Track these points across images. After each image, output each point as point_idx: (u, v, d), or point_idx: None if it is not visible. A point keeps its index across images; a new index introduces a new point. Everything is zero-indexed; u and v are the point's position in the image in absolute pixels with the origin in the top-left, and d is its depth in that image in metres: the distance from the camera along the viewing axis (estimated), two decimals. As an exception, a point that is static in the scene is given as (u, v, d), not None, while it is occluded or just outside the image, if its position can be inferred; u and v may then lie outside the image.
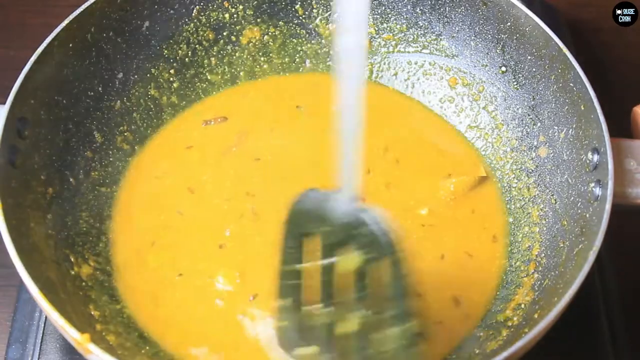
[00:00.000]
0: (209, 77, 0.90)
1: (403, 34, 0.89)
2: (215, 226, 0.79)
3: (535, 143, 0.81)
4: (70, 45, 0.78)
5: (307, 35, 0.92)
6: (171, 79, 0.88)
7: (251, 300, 0.75)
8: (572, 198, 0.75)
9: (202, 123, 0.88)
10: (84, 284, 0.73)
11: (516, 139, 0.83)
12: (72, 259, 0.74)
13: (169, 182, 0.83)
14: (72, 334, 0.61)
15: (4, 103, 0.70)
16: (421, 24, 0.89)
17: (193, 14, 0.88)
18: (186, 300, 0.75)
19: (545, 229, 0.77)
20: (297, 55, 0.92)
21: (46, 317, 0.77)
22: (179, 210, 0.81)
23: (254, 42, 0.91)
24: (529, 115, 0.83)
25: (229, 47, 0.90)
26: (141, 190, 0.82)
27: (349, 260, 0.65)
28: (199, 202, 0.81)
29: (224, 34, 0.90)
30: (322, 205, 0.65)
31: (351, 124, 0.58)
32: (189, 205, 0.81)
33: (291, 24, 0.91)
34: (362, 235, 0.64)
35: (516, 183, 0.82)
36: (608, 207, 0.68)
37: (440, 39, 0.88)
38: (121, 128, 0.84)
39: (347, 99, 0.58)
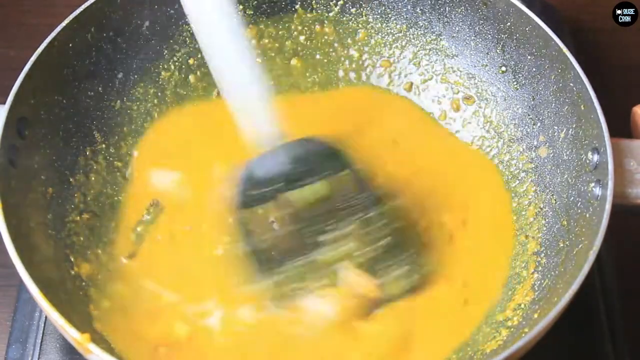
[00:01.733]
0: (209, 77, 0.90)
1: (403, 34, 0.89)
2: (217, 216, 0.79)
3: (535, 143, 0.81)
4: (70, 45, 0.78)
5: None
6: (171, 78, 0.88)
7: None
8: (572, 198, 0.74)
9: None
10: (84, 283, 0.73)
11: (516, 139, 0.83)
12: (72, 259, 0.74)
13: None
14: (72, 334, 0.61)
15: (4, 103, 0.70)
16: (421, 24, 0.88)
17: (193, 14, 0.88)
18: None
19: (545, 228, 0.77)
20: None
21: (46, 317, 0.77)
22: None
23: (254, 42, 0.91)
24: (529, 115, 0.82)
25: (229, 47, 0.90)
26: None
27: (314, 189, 0.66)
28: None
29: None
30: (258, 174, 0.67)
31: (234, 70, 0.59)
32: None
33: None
34: (309, 166, 0.65)
35: (516, 183, 0.82)
36: (608, 207, 0.68)
37: (440, 39, 0.88)
38: (121, 128, 0.84)
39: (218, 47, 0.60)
